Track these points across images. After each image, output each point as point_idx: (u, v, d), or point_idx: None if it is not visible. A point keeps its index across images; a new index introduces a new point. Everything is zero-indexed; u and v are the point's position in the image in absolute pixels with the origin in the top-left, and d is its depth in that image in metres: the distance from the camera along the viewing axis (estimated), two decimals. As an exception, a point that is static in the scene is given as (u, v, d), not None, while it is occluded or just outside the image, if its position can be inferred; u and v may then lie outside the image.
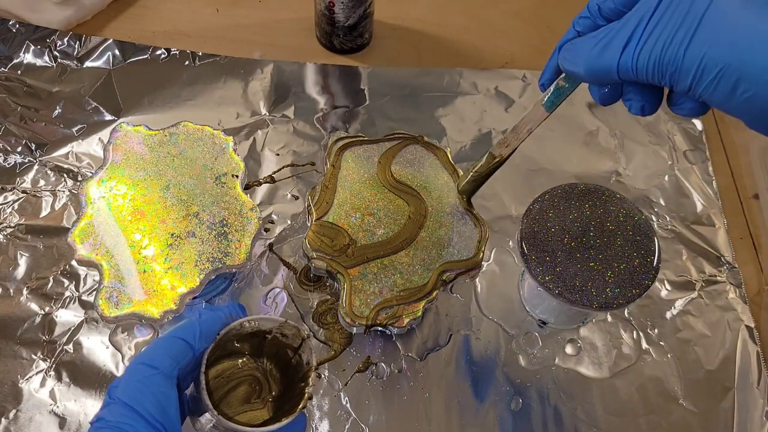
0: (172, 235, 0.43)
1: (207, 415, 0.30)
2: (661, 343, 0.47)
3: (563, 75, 0.33)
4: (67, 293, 0.47)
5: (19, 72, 0.57)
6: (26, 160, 0.53)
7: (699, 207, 0.53)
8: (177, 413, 0.29)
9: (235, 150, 0.47)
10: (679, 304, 0.49)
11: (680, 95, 0.28)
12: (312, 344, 0.34)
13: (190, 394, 0.33)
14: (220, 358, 0.35)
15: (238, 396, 0.35)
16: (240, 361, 0.36)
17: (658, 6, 0.25)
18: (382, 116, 0.57)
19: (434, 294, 0.41)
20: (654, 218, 0.52)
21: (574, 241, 0.40)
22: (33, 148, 0.53)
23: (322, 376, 0.45)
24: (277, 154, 0.54)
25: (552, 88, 0.33)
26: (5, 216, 0.50)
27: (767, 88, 0.23)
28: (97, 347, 0.45)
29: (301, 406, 0.32)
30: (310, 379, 0.33)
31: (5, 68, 0.57)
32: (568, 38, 0.31)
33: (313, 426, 0.43)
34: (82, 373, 0.44)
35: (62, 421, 0.42)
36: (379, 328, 0.41)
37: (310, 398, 0.33)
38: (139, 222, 0.43)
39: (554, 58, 0.32)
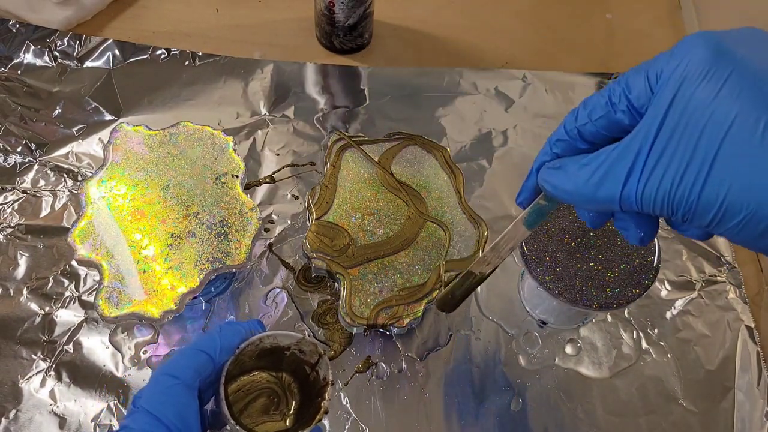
0: (172, 235, 0.43)
1: (227, 428, 0.31)
2: (661, 343, 0.47)
3: (543, 194, 0.30)
4: (67, 293, 0.47)
5: (19, 72, 0.57)
6: (26, 160, 0.53)
7: (699, 207, 0.53)
8: (198, 423, 0.30)
9: (235, 150, 0.47)
10: (679, 304, 0.49)
11: (688, 224, 0.24)
12: (328, 360, 0.35)
13: (210, 410, 0.34)
14: (240, 373, 0.36)
15: (257, 407, 0.36)
16: (259, 374, 0.37)
17: (659, 133, 0.22)
18: (382, 116, 0.57)
19: (434, 294, 0.41)
20: (654, 218, 0.52)
21: (574, 241, 0.40)
22: (33, 148, 0.53)
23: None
24: (277, 154, 0.54)
25: (533, 206, 0.31)
26: (5, 216, 0.50)
27: None
28: (97, 347, 0.45)
29: (317, 419, 0.33)
30: (327, 394, 0.34)
31: (5, 68, 0.57)
32: (544, 159, 0.29)
33: (313, 426, 0.43)
34: (82, 373, 0.44)
35: (62, 421, 0.42)
36: (381, 329, 0.41)
37: (326, 412, 0.33)
38: (139, 222, 0.43)
39: (532, 178, 0.30)
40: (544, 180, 0.28)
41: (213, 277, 0.42)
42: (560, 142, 0.28)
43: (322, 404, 0.33)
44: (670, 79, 0.22)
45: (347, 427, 0.43)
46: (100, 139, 0.54)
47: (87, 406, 0.43)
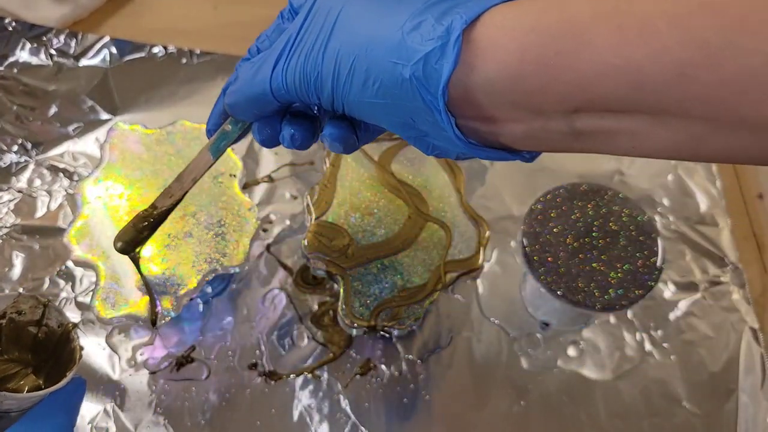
0: (169, 235, 0.42)
1: None
2: (664, 344, 0.46)
3: (229, 119, 0.32)
4: (64, 294, 0.46)
5: (15, 70, 0.57)
6: (22, 160, 0.52)
7: (703, 207, 0.53)
8: None
9: (233, 149, 0.47)
10: (682, 305, 0.48)
11: (324, 120, 0.30)
12: (57, 305, 0.32)
13: None
14: None
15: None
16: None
17: (303, 25, 0.27)
18: (382, 115, 0.56)
19: (435, 295, 0.41)
20: (657, 218, 0.52)
21: (576, 241, 0.40)
22: (29, 147, 0.53)
23: (322, 378, 0.44)
24: (276, 153, 0.53)
25: (218, 132, 0.32)
26: (1, 216, 0.49)
27: (389, 75, 0.24)
28: (93, 349, 0.45)
29: (76, 358, 0.30)
30: (72, 334, 0.31)
31: (1, 67, 0.57)
32: (230, 81, 0.31)
33: (313, 429, 0.42)
34: (78, 375, 0.43)
35: (58, 424, 0.42)
36: (381, 331, 0.40)
37: (83, 348, 0.31)
38: (136, 222, 0.42)
39: (220, 102, 0.32)
40: (227, 97, 0.30)
41: (210, 278, 0.42)
42: (243, 62, 0.31)
43: (74, 345, 0.31)
44: None
45: (347, 430, 0.43)
46: (96, 138, 0.54)
47: (83, 408, 0.42)
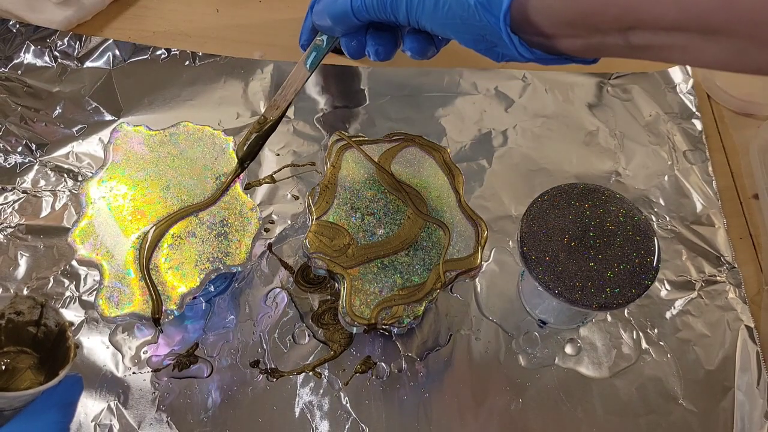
0: (173, 235, 0.43)
1: None
2: (660, 343, 0.47)
3: (319, 33, 0.36)
4: (68, 293, 0.47)
5: (19, 72, 0.57)
6: (26, 161, 0.53)
7: (699, 207, 0.53)
8: None
9: (235, 150, 0.47)
10: (678, 304, 0.49)
11: (403, 32, 0.33)
12: (54, 305, 0.33)
13: None
14: None
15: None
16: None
17: None
18: (382, 116, 0.57)
19: (434, 294, 0.41)
20: (654, 218, 0.52)
21: (574, 241, 0.40)
22: (33, 148, 0.53)
23: (322, 375, 0.45)
24: (278, 154, 0.54)
25: (311, 47, 0.36)
26: (6, 216, 0.50)
27: (456, 0, 0.28)
28: (97, 347, 0.45)
29: (71, 356, 0.31)
30: (68, 333, 0.32)
31: (5, 68, 0.57)
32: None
33: (314, 426, 0.43)
34: (82, 373, 0.43)
35: (62, 420, 0.42)
36: (381, 330, 0.41)
37: (78, 347, 0.32)
38: (140, 222, 0.43)
39: (309, 19, 0.35)
40: (314, 14, 0.33)
41: (213, 277, 0.42)
42: None
43: (70, 343, 0.31)
44: None
45: (347, 427, 0.43)
46: (100, 139, 0.54)
47: (87, 406, 0.43)
